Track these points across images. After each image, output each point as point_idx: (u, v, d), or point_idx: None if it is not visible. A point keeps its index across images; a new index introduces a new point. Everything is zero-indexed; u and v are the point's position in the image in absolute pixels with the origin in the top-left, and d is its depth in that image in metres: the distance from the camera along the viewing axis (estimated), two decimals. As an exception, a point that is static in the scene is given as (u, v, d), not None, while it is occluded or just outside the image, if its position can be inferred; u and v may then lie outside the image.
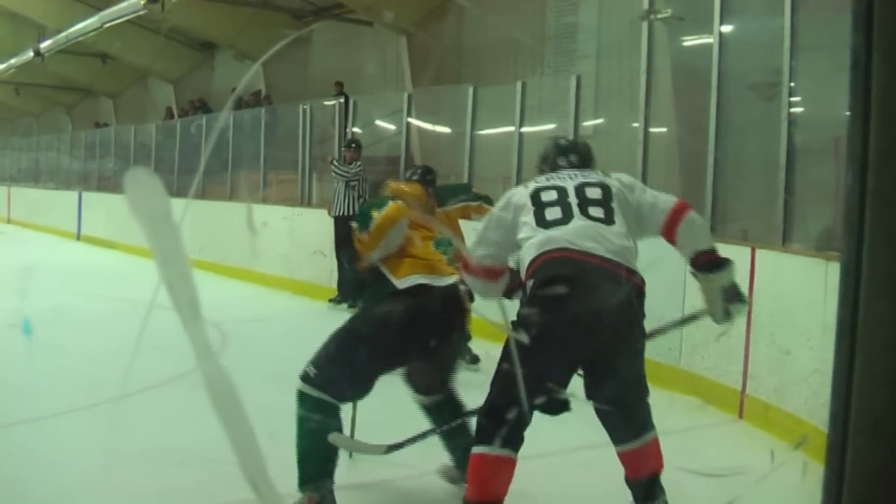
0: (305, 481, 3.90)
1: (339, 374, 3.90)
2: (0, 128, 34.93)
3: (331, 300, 10.06)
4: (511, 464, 3.46)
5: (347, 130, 11.51)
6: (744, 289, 5.32)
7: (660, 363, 6.51)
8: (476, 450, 3.50)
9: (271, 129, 13.59)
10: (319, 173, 12.06)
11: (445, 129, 10.53)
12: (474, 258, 3.74)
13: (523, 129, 8.99)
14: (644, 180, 7.40)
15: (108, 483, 4.31)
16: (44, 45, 22.08)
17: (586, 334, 3.40)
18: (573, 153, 4.06)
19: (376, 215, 4.15)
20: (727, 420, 5.78)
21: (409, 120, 10.63)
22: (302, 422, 3.88)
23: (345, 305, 9.38)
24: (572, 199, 3.63)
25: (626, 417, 3.68)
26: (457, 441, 4.24)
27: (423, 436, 4.12)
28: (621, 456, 3.73)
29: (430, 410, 4.39)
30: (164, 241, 1.73)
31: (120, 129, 21.55)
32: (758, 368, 5.62)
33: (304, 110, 12.51)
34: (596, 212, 3.59)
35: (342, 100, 12.36)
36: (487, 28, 13.78)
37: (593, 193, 3.67)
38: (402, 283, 4.05)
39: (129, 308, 9.14)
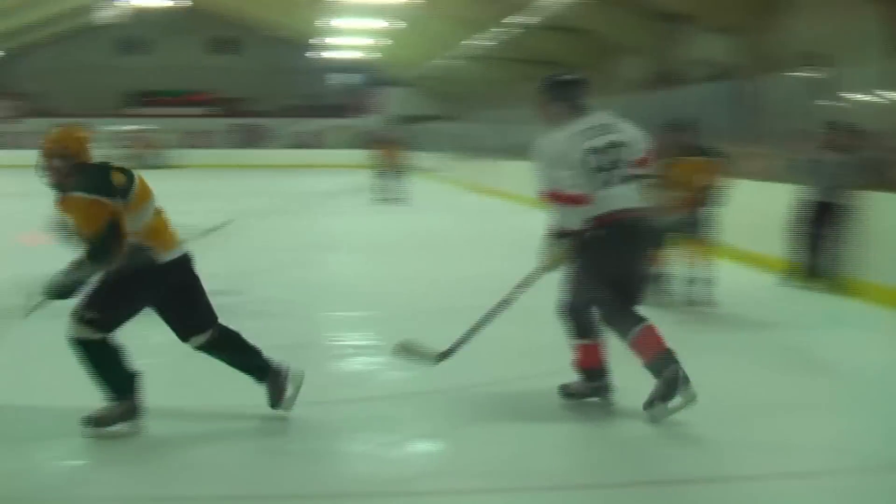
0: (118, 394, 4.70)
1: (116, 316, 4.67)
2: (477, 102, 37.06)
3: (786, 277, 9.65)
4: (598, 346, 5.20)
5: None
6: None
7: None
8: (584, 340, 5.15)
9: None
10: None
11: None
12: (567, 189, 4.92)
13: None
14: None
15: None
16: (519, 21, 23.27)
17: (635, 255, 5.17)
18: (579, 91, 5.30)
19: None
20: None
21: None
22: (102, 354, 4.67)
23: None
24: (608, 164, 4.96)
25: (632, 309, 5.04)
26: (251, 362, 4.97)
27: (467, 338, 5.27)
28: (633, 345, 4.94)
29: (208, 351, 4.90)
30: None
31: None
32: None
33: None
34: (622, 173, 4.99)
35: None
36: None
37: (614, 154, 4.99)
38: (167, 255, 4.70)
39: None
